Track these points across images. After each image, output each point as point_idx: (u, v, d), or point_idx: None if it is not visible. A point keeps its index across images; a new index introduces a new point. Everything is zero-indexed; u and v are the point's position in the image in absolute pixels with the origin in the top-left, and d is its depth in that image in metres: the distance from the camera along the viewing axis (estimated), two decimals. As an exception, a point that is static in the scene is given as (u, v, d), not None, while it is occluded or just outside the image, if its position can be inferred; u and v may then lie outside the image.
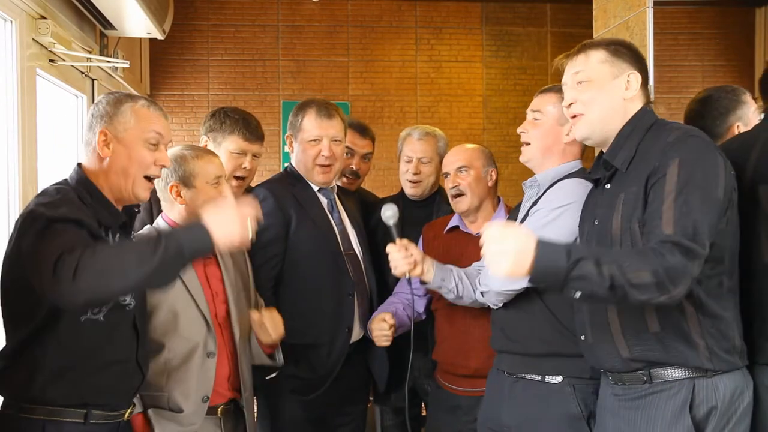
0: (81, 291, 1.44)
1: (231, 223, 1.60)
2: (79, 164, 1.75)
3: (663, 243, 1.52)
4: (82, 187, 1.70)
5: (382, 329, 2.29)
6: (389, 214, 2.16)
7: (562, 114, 2.00)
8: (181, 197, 2.10)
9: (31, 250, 1.51)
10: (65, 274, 1.42)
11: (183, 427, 1.97)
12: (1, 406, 1.67)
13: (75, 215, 1.56)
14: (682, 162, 1.58)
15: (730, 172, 1.63)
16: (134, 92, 5.34)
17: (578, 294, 1.53)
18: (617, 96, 1.76)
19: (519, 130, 2.13)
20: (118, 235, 1.76)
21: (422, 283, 2.19)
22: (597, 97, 1.76)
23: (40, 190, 1.70)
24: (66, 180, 1.74)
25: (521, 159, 2.14)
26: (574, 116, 1.81)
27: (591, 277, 1.50)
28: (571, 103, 1.80)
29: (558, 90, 2.01)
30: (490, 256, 1.55)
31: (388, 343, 2.32)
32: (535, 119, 2.08)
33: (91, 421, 1.65)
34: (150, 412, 1.94)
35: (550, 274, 1.52)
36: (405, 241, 2.12)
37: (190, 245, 1.54)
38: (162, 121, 1.78)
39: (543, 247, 1.52)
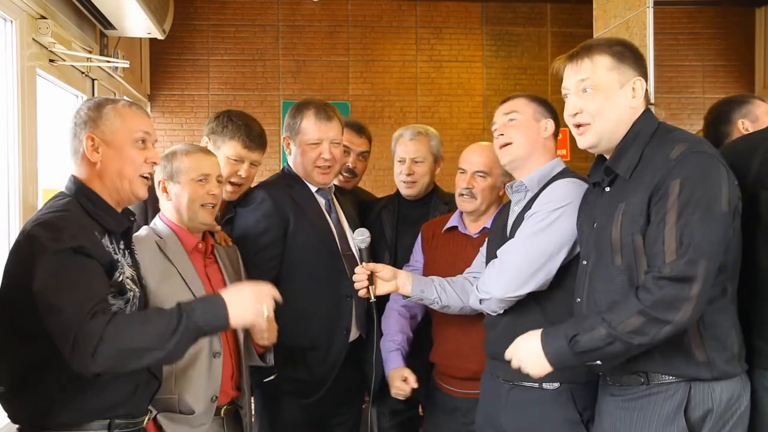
0: (97, 366, 1.49)
1: (248, 303, 1.66)
2: (73, 175, 1.73)
3: (655, 280, 1.56)
4: (83, 196, 1.69)
5: (403, 389, 2.37)
6: (360, 238, 2.25)
7: (536, 110, 2.09)
8: (167, 193, 2.11)
9: (45, 300, 1.49)
10: (85, 349, 1.46)
11: (194, 428, 1.97)
12: (18, 429, 1.65)
13: (76, 242, 1.54)
14: (683, 182, 1.58)
15: (734, 182, 1.63)
16: (134, 92, 5.35)
17: (598, 362, 1.63)
18: (624, 104, 1.74)
19: (496, 134, 2.12)
20: (121, 242, 1.76)
21: (403, 297, 2.26)
22: (605, 106, 1.73)
23: (39, 190, 1.69)
24: (63, 192, 1.71)
25: (503, 161, 2.13)
26: (579, 125, 1.78)
27: (593, 345, 1.60)
28: (576, 113, 1.77)
29: (522, 95, 2.13)
30: (525, 370, 1.73)
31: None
32: (511, 119, 2.09)
33: (115, 431, 1.66)
34: (160, 417, 1.93)
35: (566, 358, 1.65)
36: (371, 264, 2.21)
37: (206, 325, 1.61)
38: (146, 120, 1.79)
39: (547, 340, 1.68)
